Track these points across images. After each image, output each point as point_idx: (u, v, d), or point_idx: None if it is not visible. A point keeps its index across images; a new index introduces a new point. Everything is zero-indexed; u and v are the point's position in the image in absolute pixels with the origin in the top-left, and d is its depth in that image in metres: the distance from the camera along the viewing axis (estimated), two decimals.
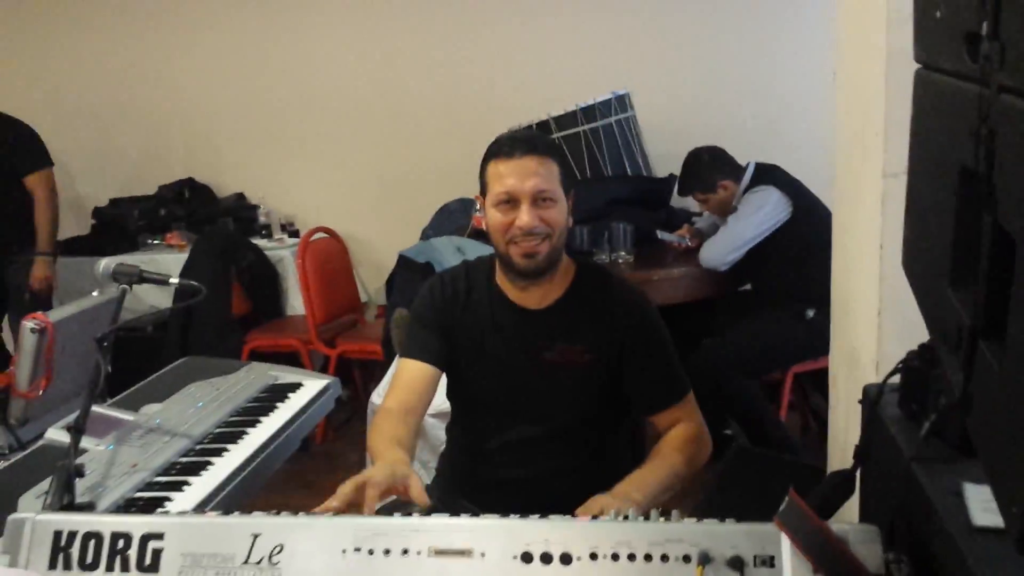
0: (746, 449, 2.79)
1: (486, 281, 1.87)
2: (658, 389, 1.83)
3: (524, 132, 2.43)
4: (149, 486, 1.73)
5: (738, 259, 3.38)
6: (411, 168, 4.84)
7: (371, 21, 4.81)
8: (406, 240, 3.96)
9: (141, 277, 2.01)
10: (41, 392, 2.75)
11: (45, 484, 1.65)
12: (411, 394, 1.81)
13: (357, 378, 4.42)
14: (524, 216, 1.70)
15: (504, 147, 1.75)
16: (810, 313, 3.18)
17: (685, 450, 1.75)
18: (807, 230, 3.22)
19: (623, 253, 3.69)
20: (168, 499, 1.68)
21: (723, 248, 3.38)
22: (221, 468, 1.82)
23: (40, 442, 1.91)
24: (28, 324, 2.73)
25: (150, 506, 1.65)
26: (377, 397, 2.98)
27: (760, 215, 3.32)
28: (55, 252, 4.09)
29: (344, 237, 4.62)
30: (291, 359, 3.98)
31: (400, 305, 3.41)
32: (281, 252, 4.63)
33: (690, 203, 3.94)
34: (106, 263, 2.01)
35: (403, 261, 3.54)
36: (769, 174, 3.44)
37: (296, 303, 4.57)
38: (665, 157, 4.18)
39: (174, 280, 1.99)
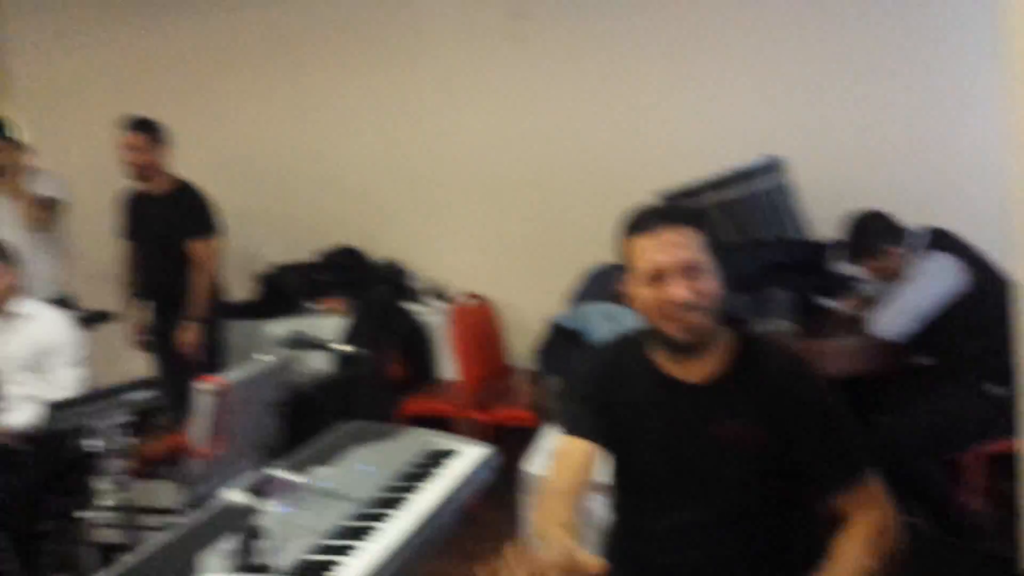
0: (930, 537, 2.60)
1: (641, 355, 1.83)
2: (837, 467, 1.73)
3: (658, 204, 2.39)
4: (318, 549, 1.76)
5: (914, 330, 3.20)
6: (558, 232, 4.86)
7: (518, 88, 4.91)
8: (554, 304, 3.96)
9: (311, 344, 2.10)
10: (217, 452, 2.91)
11: (224, 544, 1.71)
12: (575, 474, 1.79)
13: (508, 444, 4.40)
14: (675, 289, 1.66)
15: (643, 222, 1.73)
16: (994, 388, 2.96)
17: (873, 545, 1.64)
18: (987, 300, 3.02)
19: (783, 322, 3.56)
20: (336, 563, 1.71)
21: (899, 318, 3.21)
22: (387, 534, 1.84)
23: (217, 502, 1.98)
24: (204, 386, 2.89)
25: (320, 569, 1.68)
26: (531, 466, 2.96)
27: (937, 285, 3.15)
28: (207, 318, 4.27)
29: (493, 302, 4.68)
30: (444, 424, 4.02)
31: (552, 373, 3.41)
32: (433, 318, 4.72)
33: (848, 267, 3.78)
34: (278, 330, 2.10)
35: (554, 328, 3.54)
36: (945, 240, 3.27)
37: (448, 368, 4.64)
38: (822, 220, 4.03)
39: (344, 348, 2.06)
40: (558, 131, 4.86)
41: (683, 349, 1.73)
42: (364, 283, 4.86)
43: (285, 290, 4.91)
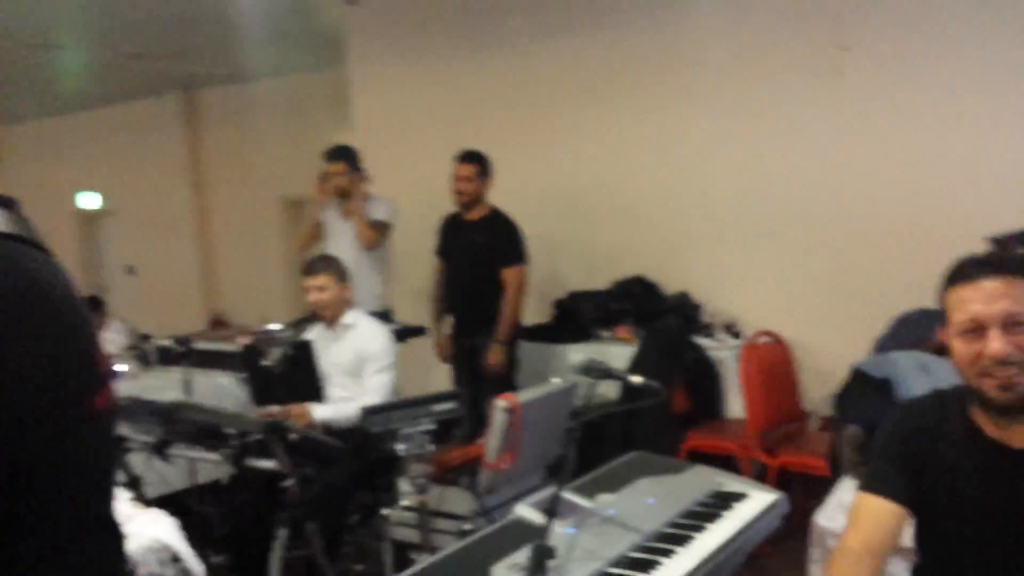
0: None
1: (960, 414, 1.70)
2: None
3: (985, 253, 2.16)
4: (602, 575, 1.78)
5: None
6: (865, 273, 4.56)
7: (832, 122, 4.68)
8: (856, 349, 3.72)
9: (608, 374, 2.12)
10: (506, 466, 3.03)
11: (517, 556, 1.78)
12: (874, 535, 1.70)
13: (793, 490, 4.19)
14: (994, 344, 1.54)
15: (965, 270, 1.62)
16: None
17: None
18: None
19: None
20: None
21: None
22: (670, 570, 1.82)
23: (510, 516, 2.06)
24: (500, 403, 3.03)
25: None
26: (824, 519, 2.80)
27: None
28: (511, 341, 4.52)
29: (789, 342, 4.48)
30: (727, 463, 3.91)
31: (853, 422, 3.19)
32: (722, 353, 4.62)
33: None
34: (571, 355, 2.14)
35: (858, 375, 3.31)
36: None
37: (735, 406, 4.51)
38: None
39: (638, 380, 2.06)
40: (872, 167, 4.57)
41: (1002, 410, 1.60)
42: (655, 314, 4.86)
43: (579, 316, 5.03)
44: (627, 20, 5.29)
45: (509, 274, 4.51)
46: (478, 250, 4.54)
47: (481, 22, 5.85)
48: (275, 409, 3.44)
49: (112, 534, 1.01)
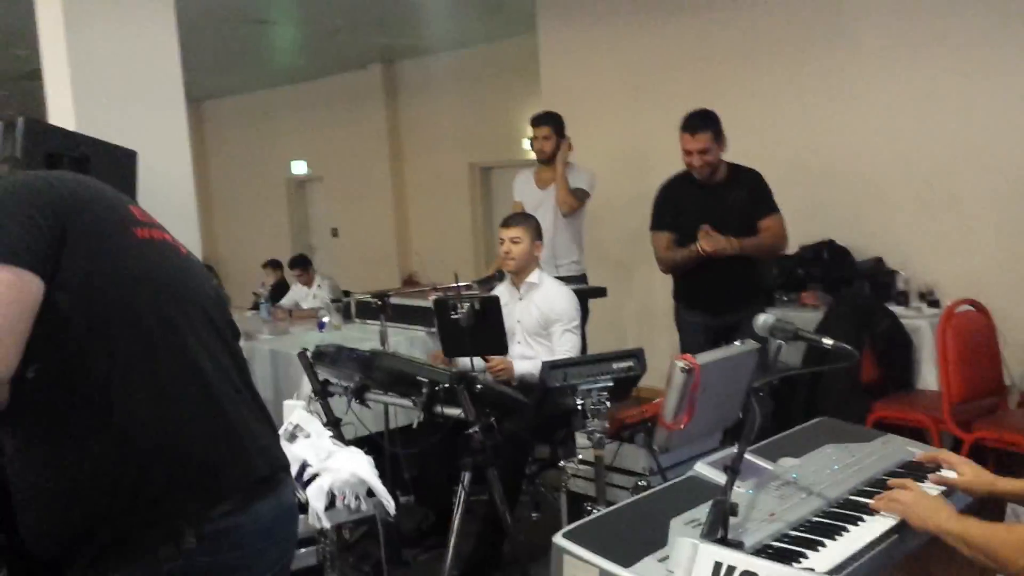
0: None
1: None
2: None
3: None
4: (784, 537, 1.77)
5: None
6: None
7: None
8: None
9: (797, 335, 2.08)
10: (683, 426, 3.05)
11: (695, 512, 1.80)
12: None
13: (991, 468, 3.95)
14: None
15: None
16: None
17: None
18: None
19: None
20: (803, 555, 1.70)
21: None
22: (857, 537, 1.79)
23: (689, 473, 2.07)
24: (679, 363, 3.04)
25: (784, 557, 1.69)
26: None
27: None
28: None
29: (992, 311, 4.20)
30: (917, 435, 3.74)
31: None
32: (918, 322, 4.41)
33: None
34: (764, 318, 2.12)
35: None
36: None
37: (929, 377, 4.30)
38: None
39: (829, 342, 2.01)
40: None
41: None
42: (846, 280, 4.68)
43: (763, 280, 4.91)
44: None
45: (771, 222, 4.00)
46: (742, 208, 4.00)
47: None
48: (480, 362, 3.63)
49: (187, 359, 1.38)
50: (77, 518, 1.28)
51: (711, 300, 4.06)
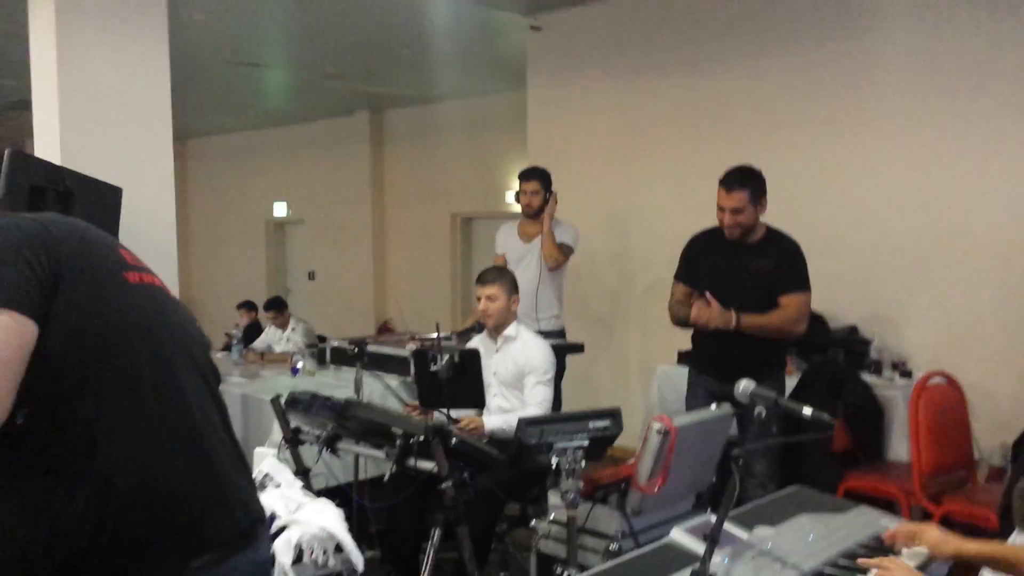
0: None
1: None
2: None
3: None
4: None
5: None
6: None
7: (1014, 153, 4.44)
8: None
9: (777, 403, 2.10)
10: (657, 489, 3.04)
11: None
12: None
13: None
14: None
15: None
16: None
17: None
18: None
19: None
20: None
21: None
22: None
23: (664, 540, 2.06)
24: (655, 425, 3.04)
25: None
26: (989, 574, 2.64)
27: None
28: None
29: (964, 384, 4.24)
30: (887, 506, 3.75)
31: None
32: (891, 392, 4.44)
33: None
34: (745, 384, 2.13)
35: None
36: None
37: (899, 448, 4.32)
38: None
39: (808, 411, 2.03)
40: None
41: None
42: (820, 347, 4.72)
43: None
44: (807, 47, 5.20)
45: (792, 300, 3.70)
46: (762, 276, 3.72)
47: (658, 49, 5.90)
48: (449, 418, 3.60)
49: (176, 405, 1.36)
50: (56, 562, 1.25)
51: (719, 366, 3.73)
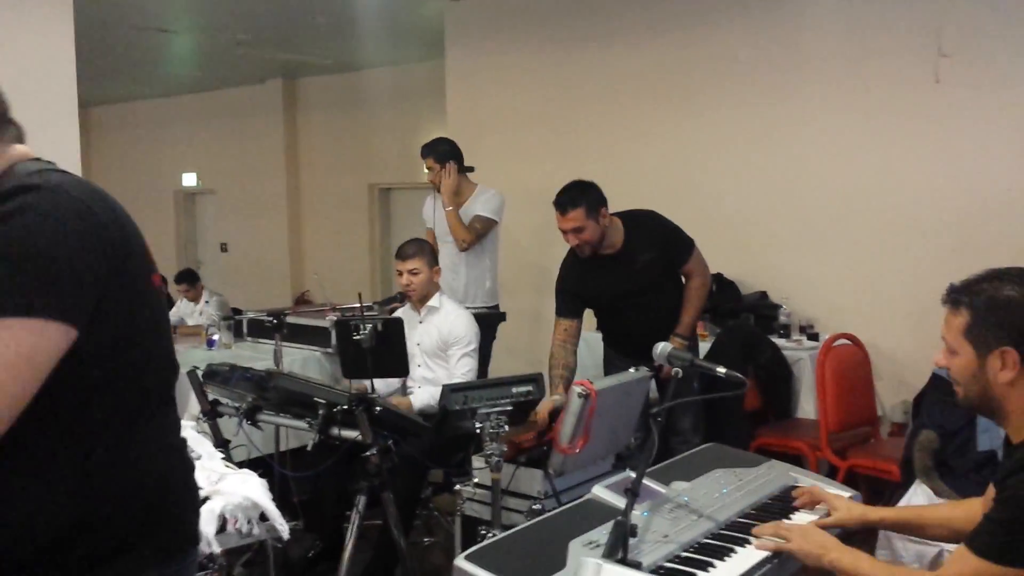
0: None
1: None
2: None
3: None
4: (677, 558, 1.84)
5: None
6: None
7: (918, 126, 4.64)
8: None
9: (692, 364, 2.18)
10: (578, 450, 3.11)
11: (592, 534, 1.84)
12: None
13: (864, 494, 4.18)
14: None
15: None
16: None
17: None
18: None
19: None
20: (694, 575, 1.77)
21: None
22: (744, 559, 1.87)
23: (586, 496, 2.12)
24: (576, 389, 3.11)
25: None
26: None
27: None
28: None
29: (867, 346, 4.45)
30: (796, 461, 3.92)
31: (927, 427, 3.19)
32: (799, 353, 4.63)
33: None
34: (663, 347, 2.21)
35: (937, 381, 3.30)
36: None
37: (808, 406, 4.52)
38: None
39: (722, 370, 2.11)
40: (965, 173, 4.50)
41: None
42: (733, 312, 4.88)
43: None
44: (721, 19, 5.30)
45: (695, 262, 3.75)
46: (652, 267, 3.67)
47: (576, 20, 5.92)
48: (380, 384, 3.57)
49: (172, 409, 1.38)
50: (39, 557, 1.24)
51: (639, 347, 3.33)
